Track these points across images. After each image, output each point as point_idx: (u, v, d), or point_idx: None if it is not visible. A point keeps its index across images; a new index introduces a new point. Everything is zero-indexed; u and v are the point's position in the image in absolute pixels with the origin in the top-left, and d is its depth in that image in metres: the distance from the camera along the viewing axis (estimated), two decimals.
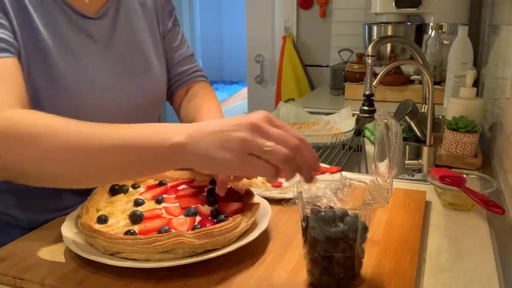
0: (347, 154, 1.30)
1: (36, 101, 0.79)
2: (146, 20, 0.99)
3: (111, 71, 0.88)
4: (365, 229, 0.61)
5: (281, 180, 0.97)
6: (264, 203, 0.80)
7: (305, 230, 0.61)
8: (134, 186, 0.85)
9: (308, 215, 0.60)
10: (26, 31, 0.78)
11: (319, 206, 0.62)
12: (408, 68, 1.99)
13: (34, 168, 0.62)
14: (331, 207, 0.62)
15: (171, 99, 1.10)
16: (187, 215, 0.74)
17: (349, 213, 0.59)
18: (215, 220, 0.72)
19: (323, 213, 0.59)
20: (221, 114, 0.97)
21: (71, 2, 0.84)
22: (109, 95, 0.87)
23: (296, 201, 0.61)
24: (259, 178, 0.97)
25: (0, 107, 0.65)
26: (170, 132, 0.61)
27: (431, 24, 2.04)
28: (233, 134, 0.59)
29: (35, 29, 0.79)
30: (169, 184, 0.86)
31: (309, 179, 0.62)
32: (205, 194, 0.83)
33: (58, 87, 0.81)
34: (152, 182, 0.88)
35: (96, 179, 0.67)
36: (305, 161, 0.60)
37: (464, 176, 0.93)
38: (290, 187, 0.92)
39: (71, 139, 0.62)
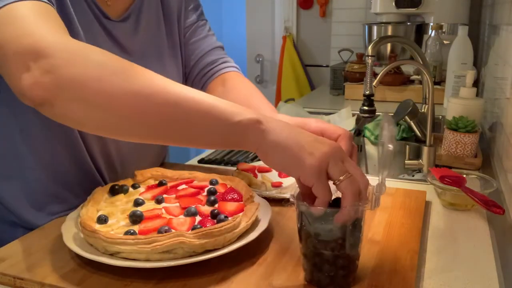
0: None
1: None
2: (166, 22, 0.99)
3: None
4: (357, 230, 0.61)
5: (281, 180, 0.97)
6: (264, 203, 0.80)
7: (299, 225, 0.62)
8: (134, 186, 0.85)
9: (302, 211, 0.61)
10: (62, 16, 0.78)
11: None
12: (408, 68, 1.99)
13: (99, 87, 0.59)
14: None
15: (204, 89, 1.05)
16: (187, 215, 0.74)
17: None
18: (215, 220, 0.72)
19: (313, 209, 0.59)
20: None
21: (98, 1, 0.85)
22: None
23: (291, 200, 0.61)
24: (259, 177, 0.98)
25: (67, 35, 0.64)
26: (245, 110, 0.61)
27: (431, 24, 2.04)
28: (318, 143, 0.60)
29: (70, 15, 0.79)
30: (169, 184, 0.86)
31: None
32: (205, 194, 0.83)
33: None
34: (152, 182, 0.88)
35: (156, 132, 0.63)
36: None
37: (464, 176, 0.93)
38: (290, 187, 0.92)
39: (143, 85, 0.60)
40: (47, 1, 0.68)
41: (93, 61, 0.60)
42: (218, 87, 1.03)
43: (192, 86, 0.96)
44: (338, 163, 0.59)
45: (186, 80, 1.08)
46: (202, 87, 1.06)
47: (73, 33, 0.79)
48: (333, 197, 0.62)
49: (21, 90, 0.60)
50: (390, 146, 0.63)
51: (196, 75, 1.06)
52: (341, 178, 0.58)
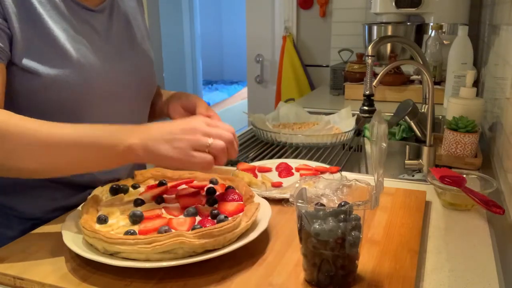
0: (347, 154, 1.30)
1: (55, 88, 0.81)
2: (137, 14, 1.01)
3: (113, 63, 0.90)
4: (357, 229, 0.61)
5: (281, 180, 0.97)
6: (264, 203, 0.80)
7: (299, 225, 0.62)
8: (134, 186, 0.85)
9: (302, 211, 0.61)
10: (30, 24, 0.79)
11: (323, 205, 0.63)
12: (408, 68, 1.99)
13: (9, 162, 0.70)
14: (322, 204, 0.62)
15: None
16: (187, 215, 0.74)
17: (341, 213, 0.59)
18: (215, 220, 0.72)
19: (313, 210, 0.60)
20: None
21: None
22: (114, 82, 0.90)
23: (291, 200, 0.62)
24: (259, 177, 0.98)
25: None
26: (126, 134, 0.72)
27: (431, 24, 2.04)
28: (181, 136, 0.72)
29: (41, 19, 0.80)
30: (169, 184, 0.86)
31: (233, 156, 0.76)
32: (205, 194, 0.83)
33: (75, 73, 0.83)
34: (152, 182, 0.88)
35: (65, 171, 0.76)
36: (235, 149, 0.76)
37: (464, 176, 0.93)
38: (290, 187, 0.92)
39: (38, 137, 0.70)
40: None
41: None
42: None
43: None
44: (200, 141, 0.71)
45: None
46: None
47: (37, 20, 0.80)
48: (336, 204, 0.62)
49: None
50: (384, 144, 0.63)
51: None
52: (205, 150, 0.72)
